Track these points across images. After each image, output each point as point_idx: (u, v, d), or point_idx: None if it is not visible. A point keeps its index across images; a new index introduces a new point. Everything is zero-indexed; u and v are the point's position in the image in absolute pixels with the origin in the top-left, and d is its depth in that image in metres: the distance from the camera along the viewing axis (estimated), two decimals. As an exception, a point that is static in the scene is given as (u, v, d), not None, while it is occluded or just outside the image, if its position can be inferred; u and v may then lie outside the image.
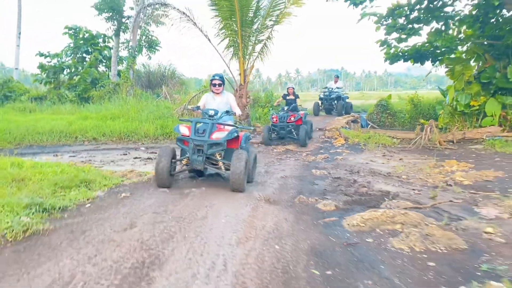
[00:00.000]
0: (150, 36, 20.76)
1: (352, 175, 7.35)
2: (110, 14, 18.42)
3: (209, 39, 13.71)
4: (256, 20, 13.57)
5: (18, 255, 3.26)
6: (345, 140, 11.77)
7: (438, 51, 12.91)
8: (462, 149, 10.36)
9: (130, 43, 18.59)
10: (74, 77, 19.36)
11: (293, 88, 12.11)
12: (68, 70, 19.83)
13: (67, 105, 16.72)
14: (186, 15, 13.17)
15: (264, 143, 10.99)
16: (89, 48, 20.19)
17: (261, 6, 13.44)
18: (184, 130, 5.75)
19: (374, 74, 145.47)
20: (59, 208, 4.41)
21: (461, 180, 6.73)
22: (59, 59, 19.87)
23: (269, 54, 14.09)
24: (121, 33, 19.49)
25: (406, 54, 13.22)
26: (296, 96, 11.92)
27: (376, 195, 5.77)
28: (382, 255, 3.51)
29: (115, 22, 18.80)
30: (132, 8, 18.90)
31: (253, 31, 13.65)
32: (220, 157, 5.89)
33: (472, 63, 12.94)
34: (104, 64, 20.89)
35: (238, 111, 6.41)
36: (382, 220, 4.31)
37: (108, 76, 20.33)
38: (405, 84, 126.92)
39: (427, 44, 12.59)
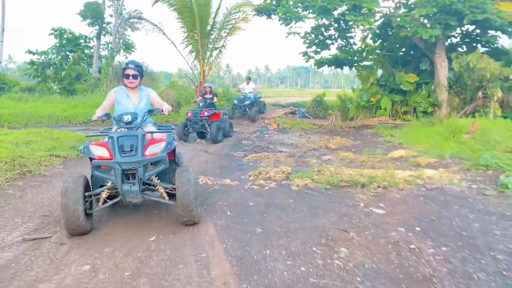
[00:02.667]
0: (127, 40, 24.25)
1: (268, 144, 11.25)
2: (93, 20, 21.77)
3: (175, 46, 17.43)
4: (213, 32, 17.38)
5: (79, 162, 7.04)
6: (277, 125, 15.76)
7: (352, 59, 17.11)
8: (356, 132, 14.54)
9: (110, 45, 21.99)
10: (60, 72, 22.55)
11: (210, 87, 12.62)
12: (54, 66, 22.99)
13: (56, 96, 19.99)
14: (158, 27, 16.81)
15: (179, 139, 10.97)
16: (72, 48, 23.40)
17: (217, 21, 17.32)
18: (100, 151, 4.00)
19: (342, 73, 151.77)
20: (88, 149, 8.13)
21: (331, 146, 10.80)
22: (46, 56, 23.00)
23: (223, 58, 17.94)
24: (102, 36, 22.86)
25: (328, 61, 17.36)
26: (214, 95, 12.48)
27: (273, 151, 9.71)
28: (252, 167, 7.44)
29: (97, 27, 22.16)
30: (111, 15, 22.36)
31: (211, 40, 17.44)
32: (156, 178, 4.28)
33: (378, 69, 17.23)
34: (85, 61, 24.15)
35: (167, 107, 4.70)
36: (261, 157, 8.28)
37: (88, 71, 23.62)
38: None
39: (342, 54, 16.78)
